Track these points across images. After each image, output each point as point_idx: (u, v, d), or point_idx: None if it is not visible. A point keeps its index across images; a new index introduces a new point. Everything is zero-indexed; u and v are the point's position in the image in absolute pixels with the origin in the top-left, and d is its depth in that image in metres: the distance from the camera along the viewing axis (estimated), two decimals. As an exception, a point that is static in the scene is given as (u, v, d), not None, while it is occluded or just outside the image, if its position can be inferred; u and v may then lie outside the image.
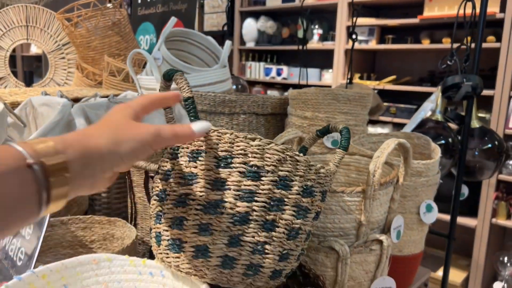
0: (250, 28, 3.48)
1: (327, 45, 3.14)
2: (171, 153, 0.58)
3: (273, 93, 3.38)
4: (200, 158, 0.55)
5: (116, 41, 1.74)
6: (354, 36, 1.47)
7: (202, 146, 0.55)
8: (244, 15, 3.60)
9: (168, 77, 0.62)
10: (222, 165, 0.54)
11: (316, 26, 3.20)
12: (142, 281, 0.62)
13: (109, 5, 1.75)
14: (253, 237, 0.54)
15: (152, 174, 0.80)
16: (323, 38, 3.24)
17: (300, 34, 3.18)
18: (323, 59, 3.24)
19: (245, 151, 0.53)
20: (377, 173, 0.71)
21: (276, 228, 0.55)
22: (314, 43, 3.22)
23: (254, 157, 0.53)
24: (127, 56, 1.76)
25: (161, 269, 0.61)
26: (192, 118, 0.58)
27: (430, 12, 2.70)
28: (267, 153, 0.54)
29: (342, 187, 0.73)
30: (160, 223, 0.57)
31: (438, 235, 1.42)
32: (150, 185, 0.83)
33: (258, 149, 0.53)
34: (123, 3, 1.83)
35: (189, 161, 0.56)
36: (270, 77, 3.41)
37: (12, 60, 5.81)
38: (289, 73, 3.28)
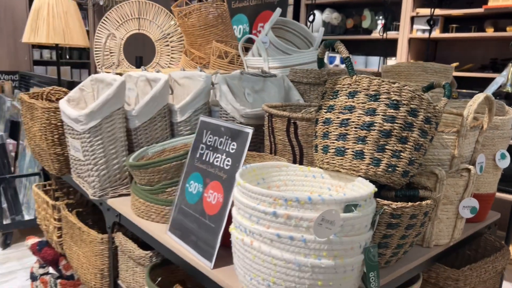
0: (315, 19, 3.73)
1: (391, 34, 3.34)
2: (332, 94, 0.88)
3: (337, 80, 3.63)
4: (356, 96, 0.84)
5: (220, 29, 2.07)
6: (431, 23, 1.71)
7: (357, 88, 0.84)
8: (310, 8, 3.86)
9: (328, 45, 0.92)
10: (372, 100, 0.83)
11: (380, 17, 3.41)
12: (307, 181, 0.92)
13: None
14: (393, 146, 0.82)
15: (294, 121, 1.11)
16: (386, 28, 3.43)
17: (365, 24, 3.39)
18: (386, 48, 3.44)
19: (388, 90, 0.82)
20: (469, 117, 0.97)
21: (408, 142, 0.83)
22: (377, 33, 3.42)
23: (395, 94, 0.82)
24: (228, 42, 2.10)
25: (321, 172, 0.91)
26: (350, 71, 0.87)
27: (495, 2, 2.84)
28: (403, 91, 0.82)
29: (440, 128, 1.00)
30: (327, 139, 0.87)
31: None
32: (290, 129, 1.13)
33: (397, 88, 0.82)
34: (223, -2, 2.16)
35: (348, 98, 0.85)
36: (334, 65, 3.65)
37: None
38: (352, 61, 3.51)
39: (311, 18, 2.10)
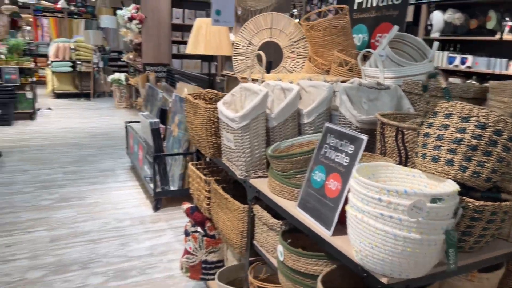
0: (437, 19, 3.75)
1: (519, 35, 3.22)
2: (432, 114, 1.14)
3: (455, 80, 3.62)
4: (451, 117, 1.10)
5: (342, 39, 2.37)
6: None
7: (452, 111, 1.10)
8: (432, 8, 3.88)
9: (432, 76, 1.18)
10: (464, 121, 1.08)
11: (507, 19, 3.30)
12: (408, 179, 1.21)
13: (330, 11, 2.39)
14: (478, 158, 1.06)
15: (402, 130, 1.38)
16: (515, 28, 3.31)
17: (490, 25, 3.33)
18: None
19: (477, 114, 1.06)
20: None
21: (491, 155, 1.06)
22: (505, 35, 3.33)
23: (483, 118, 1.06)
24: (348, 51, 2.38)
25: (420, 173, 1.19)
26: (447, 98, 1.13)
27: None
28: (490, 116, 1.05)
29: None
30: (426, 148, 1.15)
31: None
32: (398, 136, 1.41)
33: (485, 113, 1.05)
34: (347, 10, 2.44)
35: (444, 118, 1.11)
36: (453, 65, 3.64)
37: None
38: (474, 62, 3.47)
39: (429, 21, 2.26)
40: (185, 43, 8.38)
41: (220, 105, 1.85)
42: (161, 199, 3.74)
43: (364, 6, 2.59)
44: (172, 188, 3.75)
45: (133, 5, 8.04)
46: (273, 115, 1.71)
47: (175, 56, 8.29)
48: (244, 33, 2.91)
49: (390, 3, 2.40)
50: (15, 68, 6.81)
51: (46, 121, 7.22)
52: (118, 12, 8.15)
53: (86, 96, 9.94)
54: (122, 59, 15.06)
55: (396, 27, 1.95)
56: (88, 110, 8.53)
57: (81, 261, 2.77)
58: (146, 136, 3.95)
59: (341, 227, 1.23)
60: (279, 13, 2.85)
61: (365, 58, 2.22)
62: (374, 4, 2.51)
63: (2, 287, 2.44)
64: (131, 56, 8.46)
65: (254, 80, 2.05)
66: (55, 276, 2.58)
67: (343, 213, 1.21)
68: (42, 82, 11.12)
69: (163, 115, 4.35)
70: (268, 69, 2.99)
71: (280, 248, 1.44)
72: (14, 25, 16.78)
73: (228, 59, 8.78)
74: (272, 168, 1.63)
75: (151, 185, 3.69)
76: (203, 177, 2.17)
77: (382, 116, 1.51)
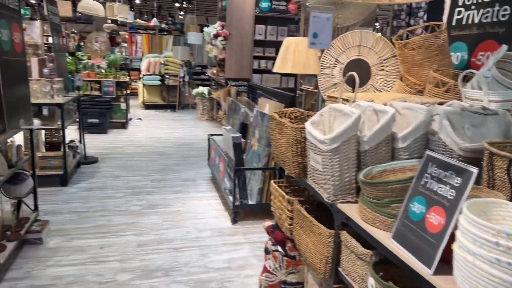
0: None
1: None
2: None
3: None
4: None
5: (438, 58, 2.23)
6: None
7: None
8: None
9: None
10: None
11: None
12: (526, 219, 1.07)
13: (423, 28, 2.25)
14: None
15: (516, 162, 1.24)
16: None
17: None
18: None
19: None
20: None
21: None
22: None
23: None
24: (445, 70, 2.22)
25: (542, 215, 1.05)
26: None
27: None
28: None
29: None
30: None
31: None
32: (510, 169, 1.27)
33: None
34: (443, 28, 2.29)
35: None
36: None
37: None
38: None
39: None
40: (266, 58, 8.56)
41: (308, 125, 1.83)
42: (239, 212, 3.80)
43: (464, 22, 2.42)
44: (250, 202, 3.80)
45: (218, 23, 8.43)
46: (366, 138, 1.64)
47: (255, 71, 8.49)
48: (331, 50, 2.88)
49: (495, 19, 2.20)
50: (113, 82, 7.47)
51: (136, 130, 7.80)
52: (205, 29, 8.60)
53: (172, 107, 10.57)
54: (206, 74, 15.84)
55: (504, 47, 1.78)
56: (173, 121, 9.06)
57: (164, 268, 2.91)
58: (227, 150, 4.07)
59: (443, 265, 1.13)
60: (369, 30, 2.77)
61: (465, 78, 2.05)
62: (476, 21, 2.33)
63: (95, 286, 2.64)
64: (214, 71, 8.85)
65: (345, 100, 2.00)
66: (141, 281, 2.73)
67: (446, 250, 1.11)
68: (134, 93, 12.08)
69: (244, 129, 4.45)
70: (352, 87, 2.92)
71: (371, 281, 1.37)
72: (112, 41, 18.58)
73: (306, 74, 8.80)
74: (363, 194, 1.56)
75: (230, 198, 3.77)
76: (286, 196, 2.15)
77: (491, 145, 1.37)
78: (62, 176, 4.39)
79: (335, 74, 2.93)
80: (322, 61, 2.90)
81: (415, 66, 2.33)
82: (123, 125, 7.93)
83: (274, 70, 2.64)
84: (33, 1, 14.45)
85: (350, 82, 2.93)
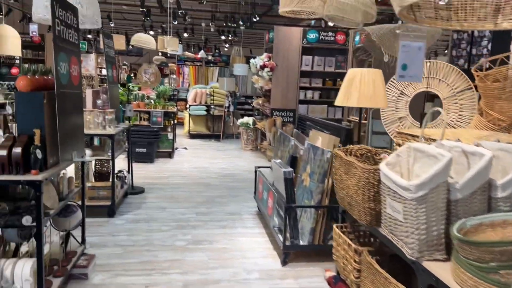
0: None
1: None
2: None
3: None
4: None
5: (529, 92, 1.95)
6: None
7: None
8: None
9: None
10: None
11: None
12: None
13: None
14: None
15: None
16: None
17: None
18: None
19: None
20: None
21: None
22: None
23: None
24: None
25: None
26: None
27: None
28: None
29: None
30: None
31: None
32: None
33: None
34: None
35: None
36: None
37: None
38: None
39: None
40: (312, 89, 8.43)
41: (383, 167, 1.61)
42: (290, 253, 3.55)
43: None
44: (302, 243, 3.54)
45: (265, 54, 8.45)
46: (458, 185, 1.40)
47: (301, 102, 8.35)
48: (395, 82, 2.67)
49: None
50: (161, 112, 7.59)
51: (182, 160, 7.81)
52: (251, 60, 8.64)
53: (216, 137, 10.60)
54: (250, 104, 15.95)
55: None
56: (218, 151, 9.03)
57: (211, 313, 2.70)
58: (277, 184, 3.87)
59: None
60: (440, 60, 2.54)
61: None
62: None
63: (140, 330, 2.47)
64: (260, 101, 8.81)
65: (414, 137, 1.77)
66: (187, 327, 2.53)
67: None
68: (180, 123, 12.29)
69: (294, 162, 4.26)
70: (420, 123, 2.66)
71: None
72: (161, 73, 19.34)
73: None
74: (458, 252, 1.31)
75: (280, 237, 3.54)
76: (353, 245, 1.92)
77: None
78: (109, 207, 4.36)
79: (400, 108, 2.70)
80: (386, 93, 2.69)
81: (500, 99, 2.06)
82: (169, 155, 7.98)
83: (337, 103, 2.46)
84: (90, 36, 15.39)
85: (417, 116, 2.68)
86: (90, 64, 12.64)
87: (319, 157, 3.60)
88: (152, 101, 7.72)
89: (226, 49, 22.59)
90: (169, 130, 7.97)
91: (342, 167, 1.94)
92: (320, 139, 3.84)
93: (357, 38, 7.86)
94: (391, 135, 2.75)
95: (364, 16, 3.34)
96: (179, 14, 14.27)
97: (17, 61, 10.53)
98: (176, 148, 8.79)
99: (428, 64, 2.57)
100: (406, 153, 1.68)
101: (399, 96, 2.69)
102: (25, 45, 9.57)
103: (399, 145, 2.09)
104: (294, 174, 4.14)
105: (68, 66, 2.72)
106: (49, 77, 2.68)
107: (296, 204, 3.55)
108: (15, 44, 6.83)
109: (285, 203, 3.52)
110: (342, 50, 8.40)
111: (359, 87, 2.16)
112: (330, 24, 12.05)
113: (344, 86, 2.31)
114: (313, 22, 15.86)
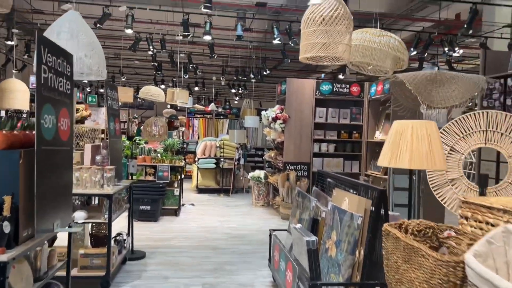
0: None
1: None
2: None
3: None
4: None
5: None
6: None
7: None
8: None
9: None
10: None
11: None
12: None
13: None
14: None
15: None
16: None
17: None
18: None
19: None
20: None
21: None
22: None
23: None
24: None
25: None
26: None
27: None
28: None
29: None
30: None
31: None
32: None
33: None
34: None
35: None
36: None
37: None
38: None
39: None
40: (327, 141, 8.02)
41: (472, 261, 1.11)
42: None
43: None
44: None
45: (277, 106, 8.15)
46: None
47: (316, 155, 7.91)
48: (444, 136, 2.21)
49: None
50: (168, 166, 7.18)
51: (188, 218, 7.26)
52: (263, 112, 8.33)
53: (226, 191, 10.09)
54: (262, 156, 15.56)
55: None
56: (227, 207, 8.48)
57: None
58: (298, 255, 3.31)
59: None
60: (501, 111, 2.09)
61: None
62: None
63: None
64: (272, 154, 8.39)
65: (482, 209, 1.27)
66: None
67: None
68: (188, 176, 11.86)
69: (315, 226, 3.71)
70: (482, 186, 2.16)
71: None
72: (170, 125, 19.24)
73: (374, 156, 8.04)
74: None
75: (303, 320, 2.93)
76: None
77: None
78: (104, 278, 3.79)
79: (451, 167, 2.23)
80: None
81: None
82: (175, 212, 7.44)
83: (381, 164, 2.00)
84: (102, 90, 15.49)
85: (479, 179, 2.18)
86: (100, 117, 12.52)
87: (348, 222, 3.07)
88: (159, 154, 7.34)
89: (236, 102, 22.71)
90: (176, 185, 7.51)
91: (399, 251, 1.43)
92: (347, 201, 3.33)
93: (373, 89, 7.56)
94: (442, 201, 2.25)
95: (394, 62, 2.96)
96: (190, 68, 14.38)
97: (25, 115, 10.41)
98: (183, 205, 8.27)
99: (487, 115, 2.12)
100: (501, 239, 1.19)
101: (449, 153, 2.22)
102: (32, 99, 9.46)
103: (466, 219, 1.59)
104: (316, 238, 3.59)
105: (56, 119, 2.33)
106: (32, 132, 2.28)
107: (322, 282, 2.96)
108: (23, 98, 6.64)
109: (308, 279, 2.94)
110: (357, 101, 8.09)
111: (410, 144, 1.71)
112: (341, 77, 11.89)
113: (390, 142, 1.86)
114: (323, 75, 15.84)
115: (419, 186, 7.08)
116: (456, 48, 10.01)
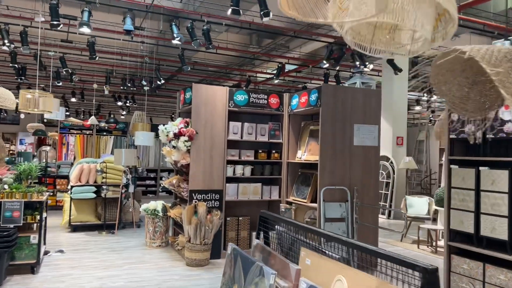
0: None
1: None
2: None
3: None
4: None
5: None
6: None
7: None
8: None
9: None
10: None
11: None
12: None
13: None
14: None
15: None
16: None
17: None
18: None
19: None
20: None
21: None
22: None
23: None
24: None
25: None
26: None
27: None
28: None
29: None
30: None
31: None
32: None
33: None
34: None
35: None
36: None
37: None
38: None
39: None
40: (243, 163, 6.59)
41: None
42: None
43: None
44: None
45: (180, 119, 6.46)
46: None
47: (230, 180, 6.40)
48: None
49: None
50: (20, 202, 4.90)
51: (51, 276, 5.03)
52: (161, 127, 6.56)
53: (110, 228, 7.89)
54: (156, 179, 13.42)
55: None
56: (112, 252, 6.37)
57: None
58: None
59: None
60: None
61: None
62: None
63: None
64: (173, 181, 6.59)
65: None
66: None
67: None
68: (59, 207, 9.28)
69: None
70: None
71: None
72: (42, 142, 15.80)
73: (297, 180, 6.77)
74: None
75: None
76: None
77: None
78: None
79: None
80: None
81: None
82: (32, 269, 5.13)
83: None
84: None
85: None
86: None
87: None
88: (6, 186, 5.01)
89: (123, 117, 20.05)
90: (34, 228, 5.24)
91: None
92: (344, 282, 1.83)
93: (295, 101, 6.41)
94: None
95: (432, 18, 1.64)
96: (64, 73, 11.71)
97: None
98: (47, 253, 5.94)
99: None
100: None
101: None
102: None
103: None
104: None
105: None
106: None
107: None
108: None
109: None
110: (275, 115, 6.86)
111: None
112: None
113: None
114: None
115: (353, 214, 6.06)
116: (367, 63, 9.62)
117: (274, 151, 6.63)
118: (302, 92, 6.32)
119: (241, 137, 6.45)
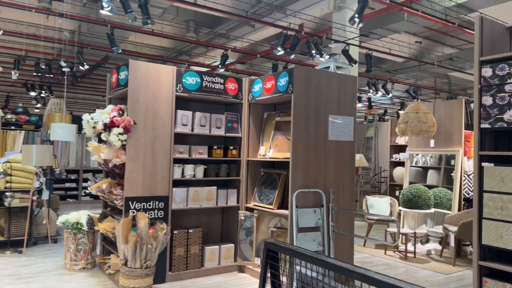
0: None
1: None
2: None
3: None
4: None
5: None
6: None
7: None
8: None
9: None
10: None
11: None
12: None
13: None
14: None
15: None
16: None
17: None
18: None
19: None
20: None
21: None
22: None
23: None
24: None
25: None
26: None
27: None
28: None
29: None
30: None
31: None
32: None
33: None
34: None
35: None
36: None
37: None
38: None
39: None
40: (194, 162, 5.35)
41: None
42: None
43: None
44: None
45: (112, 106, 5.04)
46: None
47: (177, 183, 5.12)
48: None
49: None
50: None
51: None
52: (86, 116, 5.08)
53: (16, 245, 6.15)
54: (78, 182, 11.49)
55: None
56: (18, 280, 4.75)
57: None
58: None
59: None
60: None
61: None
62: None
63: None
64: (103, 186, 5.11)
65: None
66: None
67: None
68: None
69: None
70: None
71: None
72: None
73: (259, 182, 5.61)
74: None
75: None
76: None
77: None
78: None
79: None
80: None
81: None
82: None
83: None
84: None
85: None
86: None
87: None
88: None
89: (37, 110, 17.44)
90: None
91: None
92: None
93: (257, 87, 5.32)
94: None
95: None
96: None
97: None
98: None
99: None
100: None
101: None
102: None
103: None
104: None
105: None
106: None
107: None
108: None
109: None
110: (233, 104, 5.71)
111: None
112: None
113: None
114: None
115: (329, 221, 5.14)
116: (323, 53, 8.84)
117: (231, 147, 5.47)
118: (267, 76, 5.24)
119: (192, 130, 5.19)
